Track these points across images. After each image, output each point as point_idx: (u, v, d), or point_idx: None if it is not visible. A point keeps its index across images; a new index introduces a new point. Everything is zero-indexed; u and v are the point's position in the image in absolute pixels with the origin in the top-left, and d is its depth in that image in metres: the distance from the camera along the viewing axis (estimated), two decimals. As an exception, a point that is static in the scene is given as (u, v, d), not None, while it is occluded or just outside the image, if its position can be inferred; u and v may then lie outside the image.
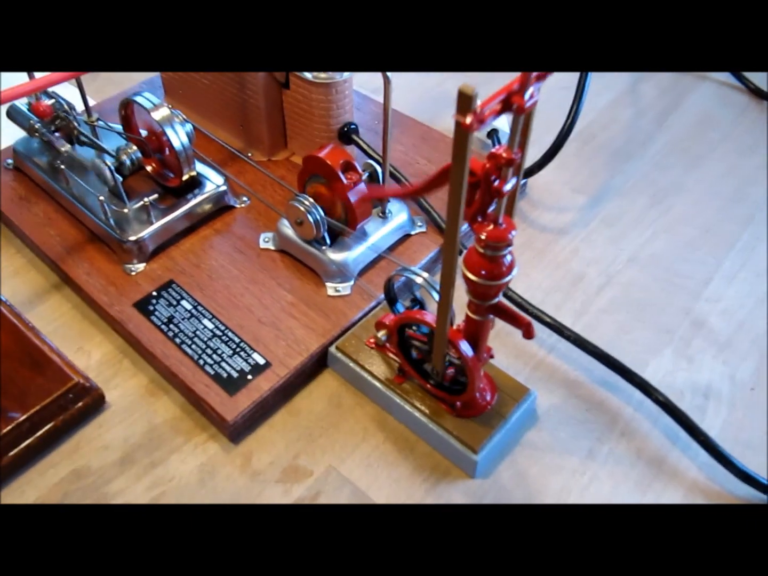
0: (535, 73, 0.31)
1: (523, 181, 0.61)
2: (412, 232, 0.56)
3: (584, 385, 0.50)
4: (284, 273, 0.53)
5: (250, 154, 0.63)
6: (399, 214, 0.55)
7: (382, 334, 0.45)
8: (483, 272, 0.37)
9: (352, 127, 0.59)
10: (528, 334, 0.39)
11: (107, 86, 0.73)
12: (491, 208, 0.36)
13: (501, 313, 0.39)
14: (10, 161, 0.61)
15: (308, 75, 0.55)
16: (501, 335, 0.52)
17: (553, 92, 0.71)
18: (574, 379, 0.50)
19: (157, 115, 0.52)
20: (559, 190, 0.64)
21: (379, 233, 0.54)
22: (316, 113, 0.58)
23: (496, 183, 0.34)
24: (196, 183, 0.57)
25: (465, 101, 0.29)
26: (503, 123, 0.66)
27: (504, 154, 0.32)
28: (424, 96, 0.74)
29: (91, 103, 0.60)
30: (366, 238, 0.53)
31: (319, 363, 0.49)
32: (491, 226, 0.35)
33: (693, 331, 0.53)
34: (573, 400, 0.49)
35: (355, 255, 0.52)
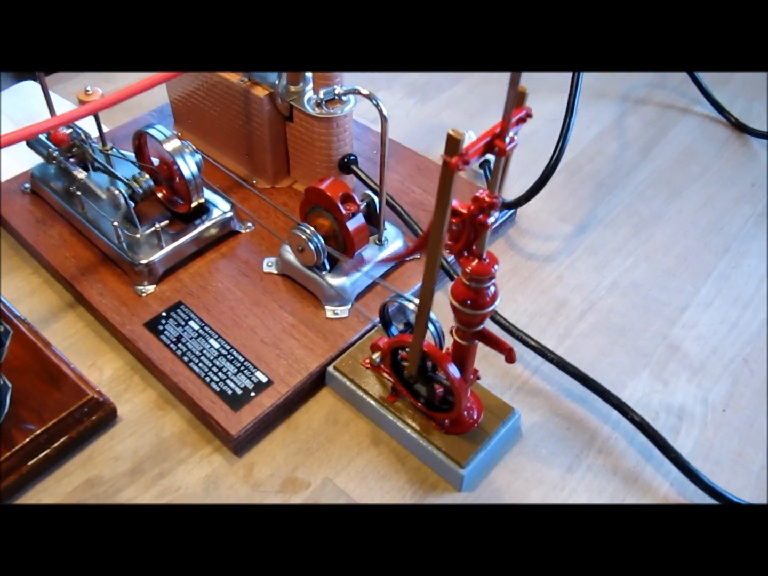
0: (515, 118, 0.34)
1: (511, 211, 0.66)
2: (408, 259, 0.60)
3: (565, 405, 0.53)
4: (285, 296, 0.57)
5: (254, 182, 0.67)
6: (395, 242, 0.59)
7: (376, 355, 0.48)
8: (468, 302, 0.40)
9: (352, 158, 0.63)
10: (510, 358, 0.42)
11: (119, 113, 0.76)
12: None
13: (485, 339, 0.43)
14: (27, 185, 0.64)
15: (310, 110, 0.59)
16: (488, 357, 0.55)
17: (541, 124, 0.75)
18: (555, 399, 0.53)
19: (169, 146, 0.56)
20: (546, 219, 0.68)
21: (372, 259, 0.57)
22: (318, 145, 0.61)
23: (480, 216, 0.37)
24: (204, 209, 0.60)
25: (453, 144, 0.32)
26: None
27: (487, 198, 0.36)
28: (420, 127, 0.78)
29: (105, 130, 0.63)
30: (363, 265, 0.56)
31: (317, 381, 0.53)
32: (476, 261, 0.39)
33: (669, 355, 0.57)
34: (554, 418, 0.52)
35: (352, 280, 0.56)
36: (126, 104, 0.78)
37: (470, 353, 0.44)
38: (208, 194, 0.61)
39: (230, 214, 0.61)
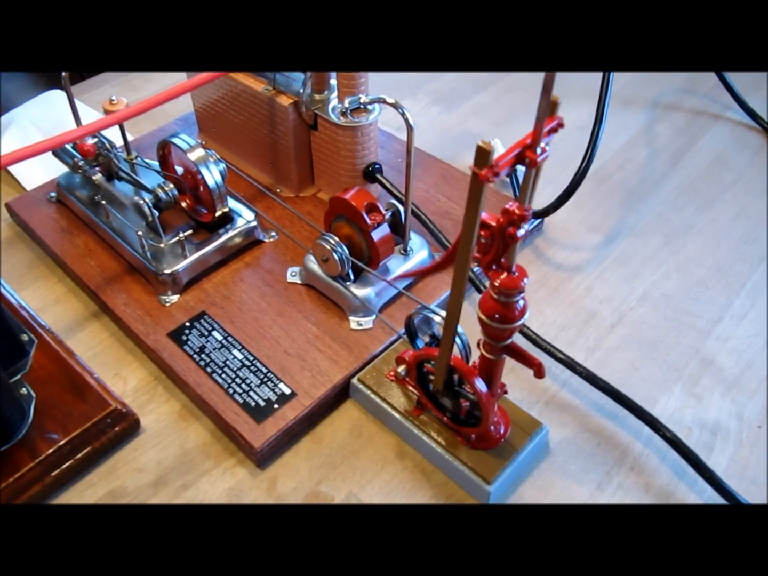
0: (546, 128, 0.33)
1: (539, 220, 0.64)
2: (432, 269, 0.59)
3: (595, 420, 0.52)
4: (310, 306, 0.56)
5: (278, 191, 0.66)
6: (420, 252, 0.58)
7: (402, 368, 0.47)
8: (496, 316, 0.39)
9: (377, 167, 0.62)
10: (539, 373, 0.41)
11: (144, 122, 0.76)
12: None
13: (513, 354, 0.42)
14: (53, 194, 0.65)
15: (335, 118, 0.58)
16: (515, 370, 0.54)
17: (569, 132, 0.74)
18: (585, 413, 0.52)
19: (193, 155, 0.56)
20: (574, 229, 0.67)
21: (400, 270, 0.56)
22: (343, 154, 0.61)
23: (510, 229, 0.36)
24: (228, 218, 0.60)
25: (482, 156, 0.31)
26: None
27: (517, 211, 0.35)
28: (445, 135, 0.77)
29: (130, 138, 0.63)
30: (388, 275, 0.56)
31: (341, 393, 0.52)
32: (504, 275, 0.38)
33: (702, 369, 0.55)
34: (584, 434, 0.51)
35: (377, 291, 0.55)
36: (151, 113, 0.79)
37: (498, 367, 0.43)
38: (232, 203, 0.60)
39: (254, 223, 0.60)
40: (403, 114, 0.50)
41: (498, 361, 0.43)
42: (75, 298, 0.59)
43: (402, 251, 0.58)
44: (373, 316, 0.55)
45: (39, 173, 0.68)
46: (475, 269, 0.59)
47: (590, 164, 0.60)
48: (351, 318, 0.55)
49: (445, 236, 0.60)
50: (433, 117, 0.80)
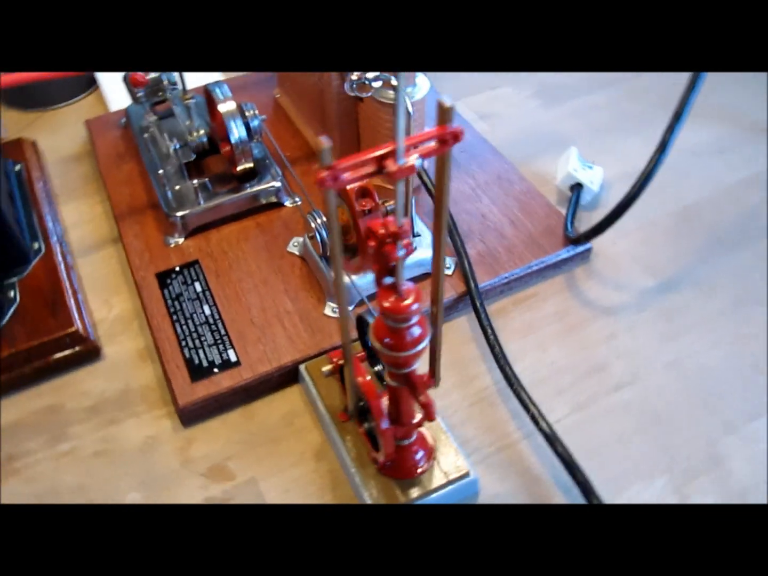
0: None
1: (587, 246, 0.56)
2: (436, 272, 0.54)
3: (544, 487, 0.45)
4: (295, 281, 0.54)
5: (324, 157, 0.64)
6: (423, 250, 0.53)
7: (326, 368, 0.44)
8: (386, 340, 0.35)
9: (416, 151, 0.58)
10: (428, 416, 0.36)
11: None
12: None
13: (410, 385, 0.37)
14: (123, 120, 0.68)
15: (375, 93, 0.55)
16: (483, 404, 0.49)
17: (681, 157, 0.64)
18: (535, 475, 0.45)
19: (223, 107, 0.55)
20: (627, 266, 0.57)
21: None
22: (381, 132, 0.57)
23: (387, 246, 0.31)
24: (253, 174, 0.59)
25: (321, 155, 0.27)
26: (592, 178, 0.61)
27: (389, 227, 0.30)
28: (531, 131, 0.70)
29: (221, 78, 0.65)
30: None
31: (290, 376, 0.50)
32: (392, 297, 0.33)
33: (705, 468, 0.45)
34: (522, 497, 0.44)
35: (360, 281, 0.52)
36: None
37: (402, 395, 0.38)
38: (265, 162, 0.60)
39: (278, 184, 0.59)
40: (403, 98, 0.45)
41: (402, 389, 0.38)
42: (105, 222, 0.62)
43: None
44: (351, 307, 0.52)
45: (125, 98, 0.72)
46: (481, 285, 0.53)
47: (643, 188, 0.50)
48: (328, 303, 0.52)
49: (462, 240, 0.55)
50: (527, 110, 0.72)
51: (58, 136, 0.71)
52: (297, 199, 0.61)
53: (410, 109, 0.46)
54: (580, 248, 0.56)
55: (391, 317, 0.34)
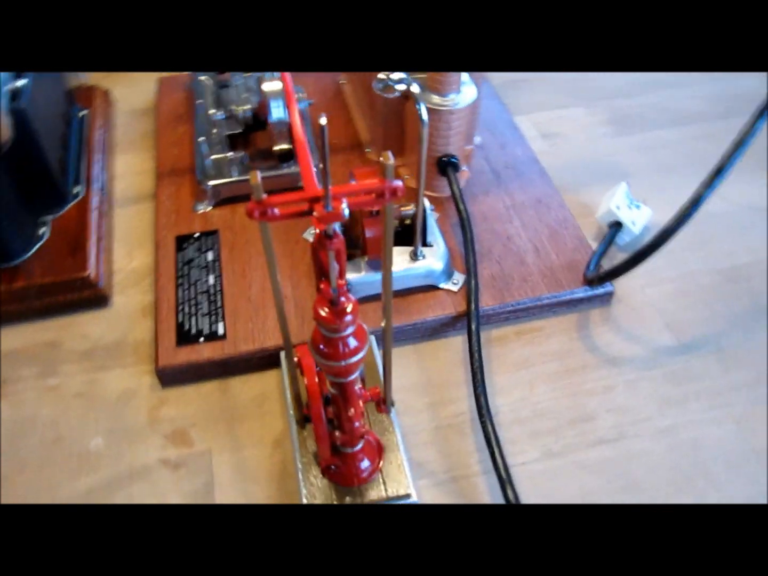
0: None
1: (608, 289, 0.53)
2: (441, 285, 0.53)
3: (488, 526, 0.43)
4: (302, 268, 0.55)
5: (368, 150, 0.64)
6: (432, 262, 0.52)
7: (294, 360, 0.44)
8: (320, 347, 0.34)
9: (452, 160, 0.56)
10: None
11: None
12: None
13: (343, 396, 0.36)
14: (189, 84, 0.70)
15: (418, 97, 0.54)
16: (451, 430, 0.47)
17: (735, 209, 0.60)
18: (483, 513, 0.44)
19: (267, 86, 0.56)
20: (649, 317, 0.54)
21: (396, 269, 0.51)
22: (420, 133, 0.56)
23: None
24: (292, 156, 0.60)
25: (254, 189, 0.27)
26: (635, 218, 0.57)
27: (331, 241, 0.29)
28: (590, 159, 0.66)
29: None
30: (378, 269, 0.51)
31: (271, 359, 0.50)
32: (328, 306, 0.33)
33: (666, 548, 0.42)
34: (463, 532, 0.43)
35: (361, 279, 0.51)
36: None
37: (345, 397, 0.38)
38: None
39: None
40: (419, 108, 0.44)
41: (338, 393, 0.38)
42: (150, 178, 0.65)
43: (411, 255, 0.52)
44: (347, 304, 0.52)
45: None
46: (485, 309, 0.51)
47: (662, 242, 0.46)
48: (326, 295, 0.52)
49: (476, 259, 0.53)
50: (593, 135, 0.69)
51: (133, 89, 0.74)
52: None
53: (424, 117, 0.45)
54: (600, 290, 0.53)
55: (324, 326, 0.33)
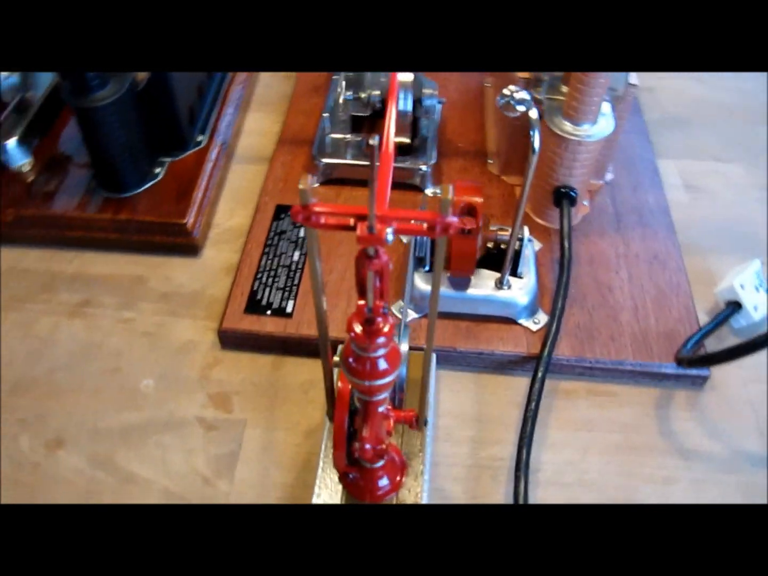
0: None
1: (704, 372, 0.48)
2: (520, 321, 0.50)
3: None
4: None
5: (490, 162, 0.61)
6: (518, 294, 0.49)
7: (337, 358, 0.43)
8: (349, 360, 0.33)
9: (571, 193, 0.53)
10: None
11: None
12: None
13: (364, 415, 0.35)
14: (338, 57, 0.70)
15: (549, 118, 0.50)
16: (486, 472, 0.45)
17: None
18: (490, 570, 0.41)
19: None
20: (742, 415, 0.48)
21: (473, 292, 0.49)
22: (542, 157, 0.53)
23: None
24: (410, 150, 0.58)
25: (301, 194, 0.27)
26: (759, 303, 0.51)
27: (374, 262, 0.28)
28: (738, 224, 0.59)
29: None
30: (458, 288, 0.49)
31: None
32: (361, 323, 0.31)
33: None
34: None
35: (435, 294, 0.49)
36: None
37: (370, 413, 0.36)
38: (425, 143, 0.58)
39: (425, 169, 0.58)
40: (532, 135, 0.41)
41: (368, 411, 0.36)
42: (273, 141, 0.65)
43: (498, 283, 0.49)
44: (418, 316, 0.50)
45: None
46: (558, 358, 0.48)
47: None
48: (399, 302, 0.51)
49: (565, 304, 0.49)
50: (745, 198, 0.61)
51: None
52: (438, 190, 0.59)
53: (536, 145, 0.41)
54: (693, 371, 0.48)
55: (355, 343, 0.32)
